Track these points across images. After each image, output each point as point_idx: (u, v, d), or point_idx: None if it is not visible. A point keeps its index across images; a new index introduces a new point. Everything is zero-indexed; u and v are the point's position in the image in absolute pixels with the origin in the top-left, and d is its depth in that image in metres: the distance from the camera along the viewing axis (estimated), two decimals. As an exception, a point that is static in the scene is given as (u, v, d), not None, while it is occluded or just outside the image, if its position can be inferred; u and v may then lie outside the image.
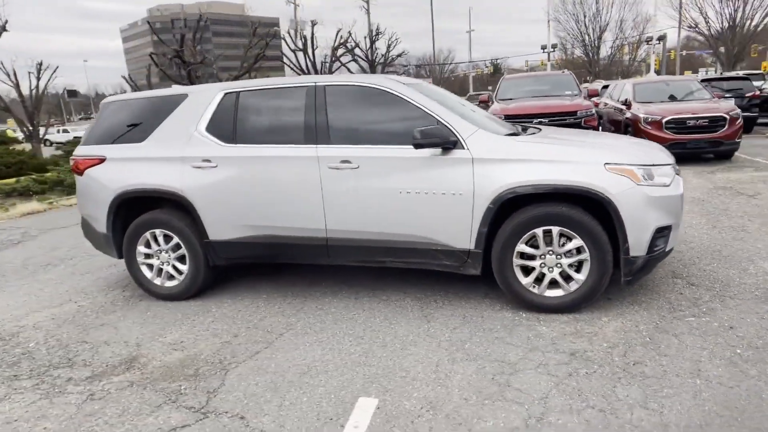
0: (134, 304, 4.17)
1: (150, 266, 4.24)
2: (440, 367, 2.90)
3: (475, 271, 3.57)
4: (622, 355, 2.88)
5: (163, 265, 4.20)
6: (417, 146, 3.44)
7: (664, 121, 9.08)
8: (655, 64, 30.80)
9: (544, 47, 35.04)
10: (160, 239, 4.14)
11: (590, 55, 34.71)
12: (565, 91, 10.55)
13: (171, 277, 4.21)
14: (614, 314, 3.39)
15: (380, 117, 3.71)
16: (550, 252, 3.41)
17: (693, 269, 4.09)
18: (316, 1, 42.72)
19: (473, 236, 3.48)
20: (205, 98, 4.04)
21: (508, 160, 3.39)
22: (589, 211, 3.34)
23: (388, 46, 26.66)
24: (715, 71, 31.91)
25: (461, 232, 3.50)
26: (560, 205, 3.35)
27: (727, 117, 8.94)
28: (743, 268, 4.03)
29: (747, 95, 13.24)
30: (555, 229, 3.35)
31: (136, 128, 4.22)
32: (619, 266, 3.35)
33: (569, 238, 3.37)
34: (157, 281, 4.23)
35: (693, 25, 30.45)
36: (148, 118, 4.22)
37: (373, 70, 26.56)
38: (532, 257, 3.46)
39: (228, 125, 3.94)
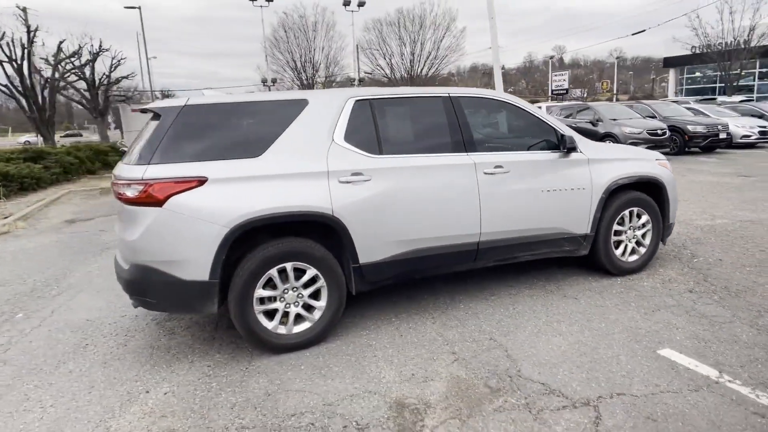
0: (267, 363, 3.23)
1: (269, 313, 3.36)
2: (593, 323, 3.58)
3: (585, 251, 4.33)
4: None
5: (289, 307, 3.39)
6: (569, 151, 4.01)
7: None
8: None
9: (264, 81, 36.56)
10: (290, 275, 3.35)
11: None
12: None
13: (298, 321, 3.44)
14: (649, 272, 4.71)
15: (510, 126, 4.09)
16: (630, 228, 4.49)
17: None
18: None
19: (590, 222, 4.24)
20: (333, 105, 3.53)
21: (606, 159, 4.32)
22: (648, 193, 4.55)
23: (111, 66, 23.16)
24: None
25: (582, 220, 4.21)
26: (637, 191, 4.47)
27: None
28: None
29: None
30: (635, 210, 4.45)
31: (242, 139, 3.33)
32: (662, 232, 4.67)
33: (639, 216, 4.51)
34: (282, 330, 3.38)
35: (369, 73, 37.04)
36: (257, 127, 3.38)
37: (93, 93, 22.71)
38: (619, 233, 4.46)
39: (370, 135, 3.57)
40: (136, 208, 3.11)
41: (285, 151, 3.35)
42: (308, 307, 3.46)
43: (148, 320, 4.15)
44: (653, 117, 15.10)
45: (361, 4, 34.69)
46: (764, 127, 15.61)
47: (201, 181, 3.13)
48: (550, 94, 51.22)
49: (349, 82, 38.04)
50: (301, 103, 3.48)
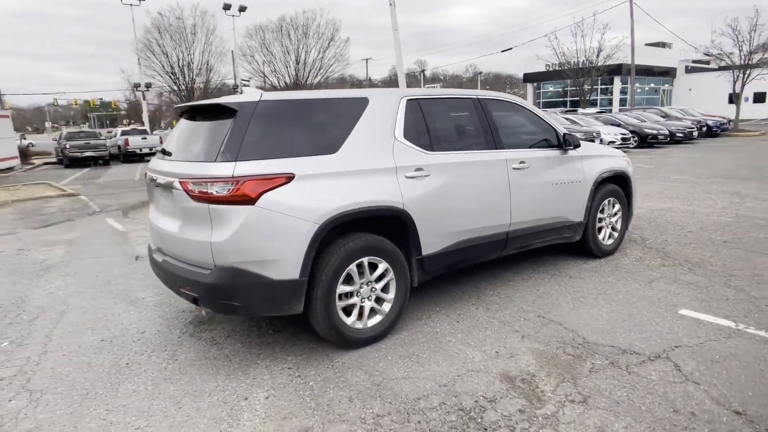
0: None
1: (346, 309, 3.37)
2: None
3: (579, 237, 4.94)
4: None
5: (363, 301, 3.43)
6: (568, 148, 4.58)
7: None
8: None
9: (137, 85, 33.57)
10: (366, 269, 3.39)
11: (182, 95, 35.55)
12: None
13: (371, 315, 3.49)
14: (621, 253, 5.51)
15: (522, 125, 4.54)
16: (608, 215, 5.22)
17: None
18: None
19: (584, 211, 4.86)
20: (390, 104, 3.65)
21: (593, 156, 4.98)
22: (619, 186, 5.32)
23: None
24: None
25: (579, 209, 4.82)
26: (613, 184, 5.20)
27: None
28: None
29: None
30: (611, 200, 5.19)
31: (316, 136, 3.30)
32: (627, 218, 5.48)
33: (613, 205, 5.26)
34: (359, 324, 3.41)
35: (246, 80, 36.33)
36: (328, 123, 3.37)
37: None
38: (600, 220, 5.16)
39: (422, 132, 3.76)
40: (225, 207, 2.95)
41: (357, 147, 3.40)
42: (378, 300, 3.53)
43: (176, 333, 3.84)
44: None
45: (242, 9, 33.67)
46: (625, 134, 18.47)
47: (289, 178, 3.07)
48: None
49: (228, 89, 36.65)
50: (364, 101, 3.56)
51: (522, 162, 4.30)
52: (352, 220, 3.29)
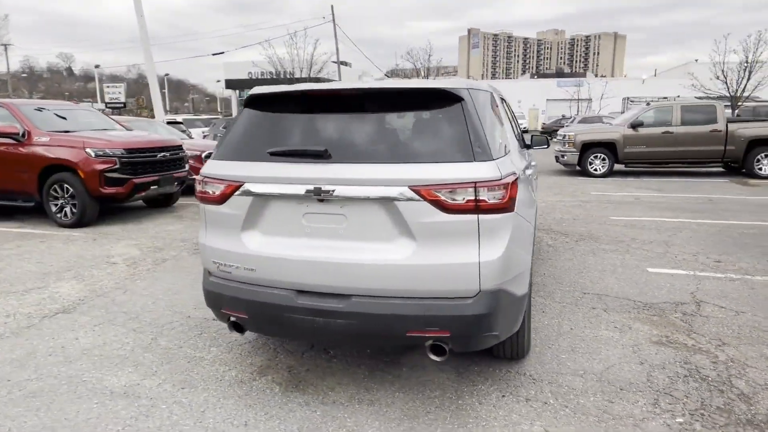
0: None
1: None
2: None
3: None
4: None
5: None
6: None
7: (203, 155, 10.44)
8: None
9: None
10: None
11: None
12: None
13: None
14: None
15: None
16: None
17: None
18: None
19: (537, 202, 5.63)
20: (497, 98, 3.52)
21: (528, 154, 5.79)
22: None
23: None
24: None
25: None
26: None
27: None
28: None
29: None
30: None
31: (497, 131, 2.92)
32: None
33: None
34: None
35: None
36: (497, 119, 3.03)
37: None
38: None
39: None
40: (494, 218, 2.38)
41: (513, 145, 3.21)
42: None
43: (214, 355, 2.76)
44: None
45: None
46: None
47: (519, 178, 2.69)
48: (105, 107, 47.52)
49: None
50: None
51: (530, 161, 4.73)
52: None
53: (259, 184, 2.52)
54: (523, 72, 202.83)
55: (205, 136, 15.62)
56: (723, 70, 30.63)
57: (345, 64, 53.36)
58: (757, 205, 8.67)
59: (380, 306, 2.41)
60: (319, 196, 2.42)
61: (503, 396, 2.82)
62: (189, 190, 9.93)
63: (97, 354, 3.42)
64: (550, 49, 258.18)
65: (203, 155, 10.44)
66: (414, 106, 2.62)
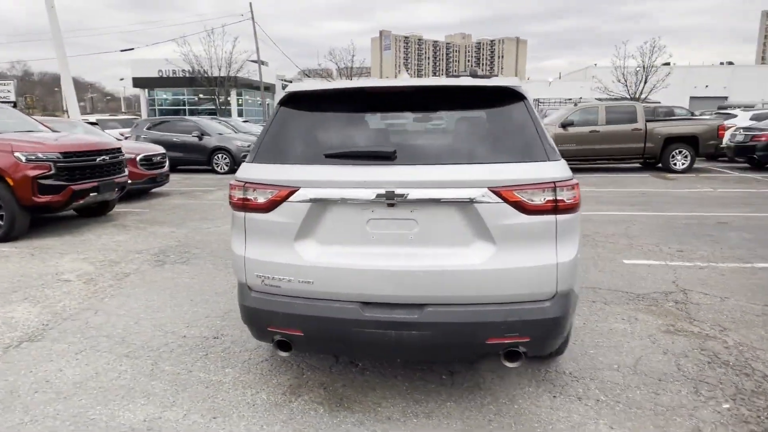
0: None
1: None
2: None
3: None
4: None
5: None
6: None
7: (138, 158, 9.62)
8: None
9: None
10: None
11: None
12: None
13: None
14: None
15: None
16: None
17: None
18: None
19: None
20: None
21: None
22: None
23: None
24: None
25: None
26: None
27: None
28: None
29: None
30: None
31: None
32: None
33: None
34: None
35: None
36: None
37: None
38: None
39: None
40: (569, 217, 2.36)
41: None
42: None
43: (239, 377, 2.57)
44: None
45: None
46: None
47: None
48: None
49: None
50: None
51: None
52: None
53: (319, 189, 2.30)
54: (434, 73, 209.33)
55: (126, 138, 14.42)
56: (623, 74, 33.56)
57: (263, 63, 52.08)
58: (685, 198, 9.52)
59: (458, 314, 2.30)
60: (391, 200, 2.25)
61: (555, 397, 2.81)
62: (128, 196, 9.18)
63: (94, 386, 2.99)
64: (459, 52, 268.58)
65: (137, 159, 9.67)
66: (476, 104, 2.52)
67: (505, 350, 2.35)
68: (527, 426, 2.56)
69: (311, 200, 2.32)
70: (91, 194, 7.17)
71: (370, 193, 2.26)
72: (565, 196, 2.32)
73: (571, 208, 2.35)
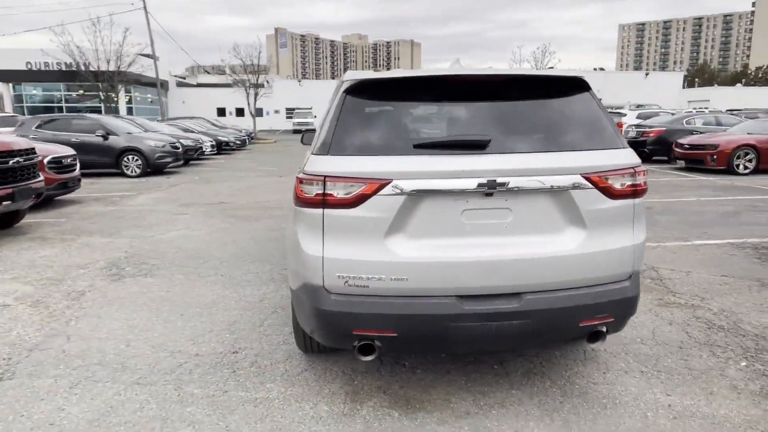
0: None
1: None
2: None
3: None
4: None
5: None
6: None
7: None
8: None
9: None
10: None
11: None
12: None
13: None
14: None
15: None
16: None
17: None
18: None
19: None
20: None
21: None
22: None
23: None
24: None
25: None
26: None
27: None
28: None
29: None
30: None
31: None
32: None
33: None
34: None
35: None
36: None
37: None
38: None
39: None
40: (640, 201, 2.50)
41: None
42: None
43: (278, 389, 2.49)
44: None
45: None
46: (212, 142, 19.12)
47: None
48: None
49: None
50: None
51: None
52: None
53: (415, 180, 2.19)
54: (333, 75, 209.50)
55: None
56: (517, 75, 36.25)
57: (152, 57, 48.31)
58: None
59: (554, 300, 2.33)
60: (492, 189, 2.21)
61: (604, 373, 2.96)
62: (33, 205, 8.01)
63: (116, 422, 2.59)
64: (356, 52, 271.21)
65: (45, 161, 8.51)
66: (548, 94, 2.55)
67: (592, 331, 2.43)
68: (596, 402, 2.67)
69: (407, 192, 2.20)
70: (3, 203, 6.17)
71: (470, 183, 2.20)
72: (641, 180, 2.45)
73: (643, 192, 2.50)
